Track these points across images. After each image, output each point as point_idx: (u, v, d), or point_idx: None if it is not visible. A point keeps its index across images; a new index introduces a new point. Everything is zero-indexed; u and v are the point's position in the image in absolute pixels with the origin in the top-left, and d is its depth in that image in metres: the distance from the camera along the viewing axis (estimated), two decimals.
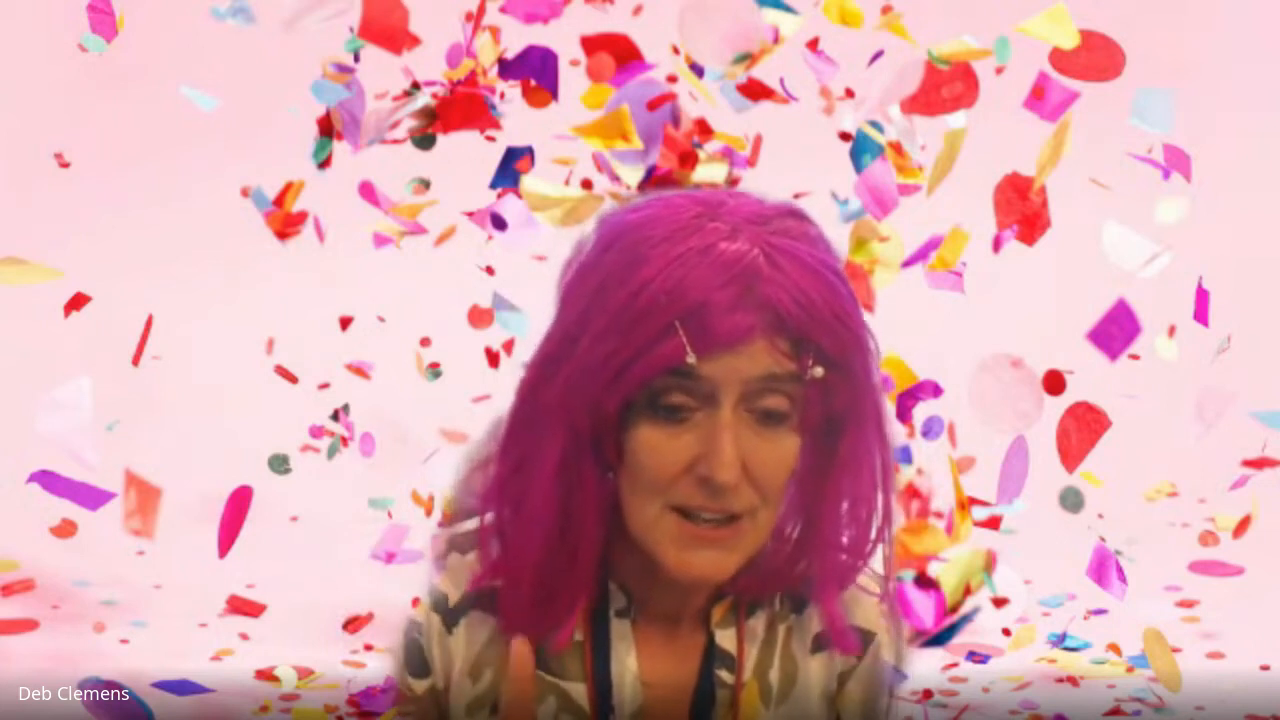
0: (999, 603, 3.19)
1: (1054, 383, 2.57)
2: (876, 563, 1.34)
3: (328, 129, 2.95)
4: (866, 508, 1.26)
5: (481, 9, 2.88)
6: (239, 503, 2.34)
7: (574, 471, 1.22)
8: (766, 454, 1.19)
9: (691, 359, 1.15)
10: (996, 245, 2.70)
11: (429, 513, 3.30)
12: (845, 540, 1.27)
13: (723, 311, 1.15)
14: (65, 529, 3.39)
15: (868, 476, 1.26)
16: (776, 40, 2.68)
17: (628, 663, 1.29)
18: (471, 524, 1.31)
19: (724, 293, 1.15)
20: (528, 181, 2.77)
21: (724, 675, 1.30)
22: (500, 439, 1.27)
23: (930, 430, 2.95)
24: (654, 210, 1.21)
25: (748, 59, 2.65)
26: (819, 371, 1.18)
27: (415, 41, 2.87)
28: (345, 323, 3.50)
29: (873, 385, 1.24)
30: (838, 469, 1.25)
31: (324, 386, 3.59)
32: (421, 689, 1.32)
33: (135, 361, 2.71)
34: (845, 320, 1.19)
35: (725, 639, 1.31)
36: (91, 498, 2.33)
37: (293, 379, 3.43)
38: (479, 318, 3.22)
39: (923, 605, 3.06)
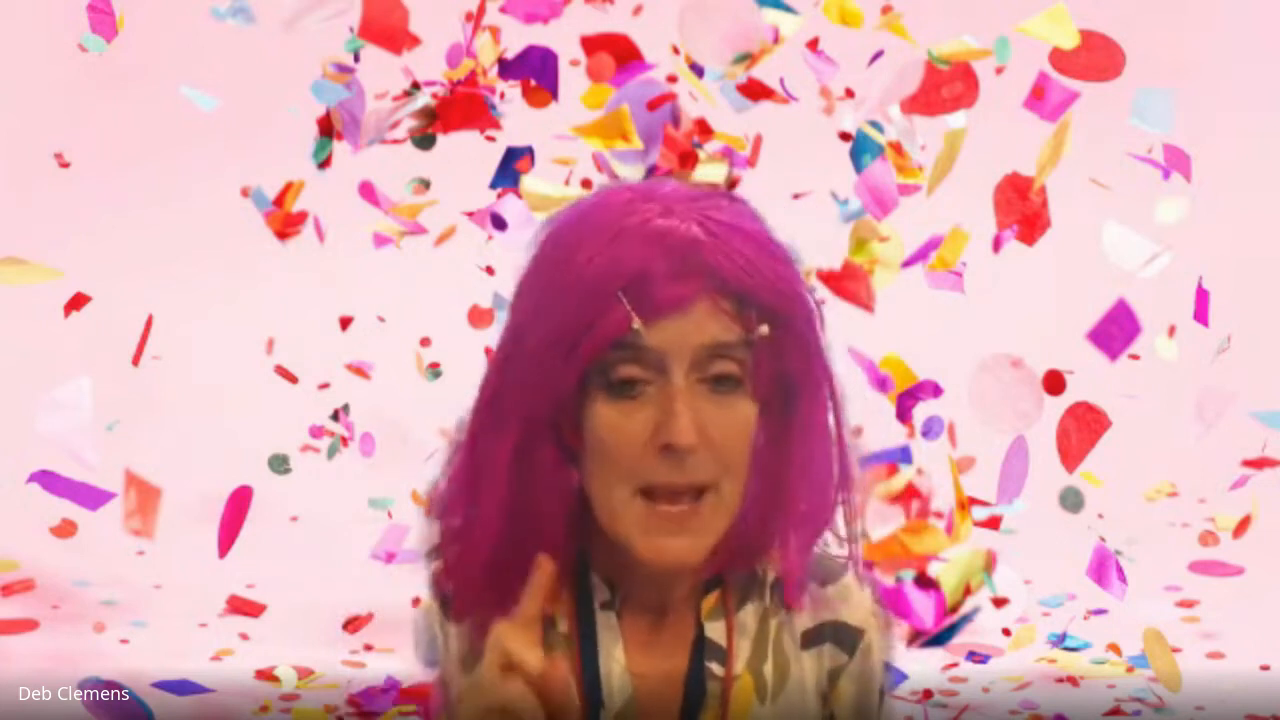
0: (999, 603, 3.19)
1: (1054, 383, 2.57)
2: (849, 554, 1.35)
3: (328, 129, 2.95)
4: (825, 470, 1.28)
5: (481, 9, 2.88)
6: (239, 503, 2.35)
7: (529, 462, 1.24)
8: (724, 420, 1.21)
9: (636, 324, 1.18)
10: (996, 245, 2.70)
11: (429, 513, 3.29)
12: (806, 505, 1.29)
13: (663, 279, 1.18)
14: (65, 529, 3.40)
15: (824, 439, 1.28)
16: (776, 40, 2.68)
17: (615, 654, 1.29)
18: None
19: (662, 261, 1.18)
20: (528, 181, 2.77)
21: (714, 667, 1.31)
22: (462, 440, 1.29)
23: (930, 430, 2.95)
24: (587, 205, 1.25)
25: (748, 59, 2.65)
26: (765, 330, 1.20)
27: (415, 41, 2.87)
28: (345, 323, 3.50)
29: (820, 348, 1.27)
30: (795, 435, 1.27)
31: (324, 386, 3.59)
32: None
33: (135, 361, 2.72)
34: (787, 280, 1.22)
35: (715, 631, 1.31)
36: (91, 498, 2.33)
37: (293, 379, 3.43)
38: (479, 318, 3.22)
39: (923, 605, 3.06)
